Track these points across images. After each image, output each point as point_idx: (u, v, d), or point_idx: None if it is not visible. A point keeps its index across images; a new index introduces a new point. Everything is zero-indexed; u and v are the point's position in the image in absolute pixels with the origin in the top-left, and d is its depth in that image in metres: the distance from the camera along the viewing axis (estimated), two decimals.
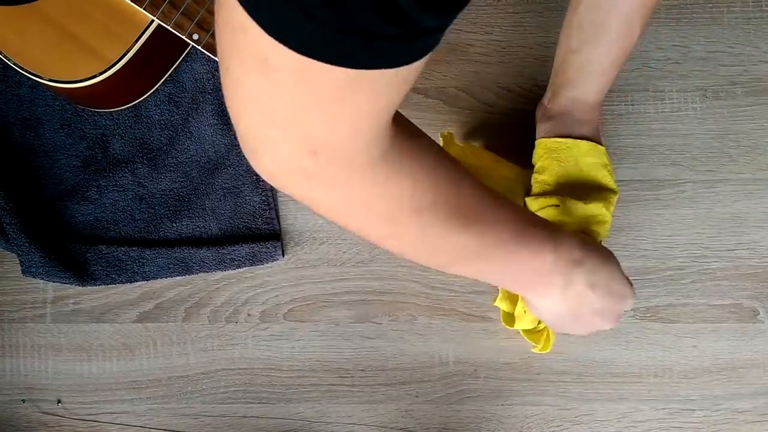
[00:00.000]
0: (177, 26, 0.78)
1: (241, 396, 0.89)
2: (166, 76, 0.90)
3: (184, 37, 0.77)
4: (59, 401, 0.90)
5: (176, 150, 0.91)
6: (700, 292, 0.88)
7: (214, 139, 0.90)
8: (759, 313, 0.88)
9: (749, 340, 0.88)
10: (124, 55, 0.80)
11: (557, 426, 0.88)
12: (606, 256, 0.70)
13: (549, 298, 0.68)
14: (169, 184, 0.91)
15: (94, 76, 0.80)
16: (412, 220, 0.54)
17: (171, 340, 0.90)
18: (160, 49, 0.84)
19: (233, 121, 0.48)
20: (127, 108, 0.91)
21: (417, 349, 0.89)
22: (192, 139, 0.90)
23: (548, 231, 0.65)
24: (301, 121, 0.44)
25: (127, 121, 0.91)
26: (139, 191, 0.91)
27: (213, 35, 0.77)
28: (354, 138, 0.46)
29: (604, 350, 0.88)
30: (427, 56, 0.42)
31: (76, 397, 0.90)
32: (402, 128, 0.52)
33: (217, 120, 0.90)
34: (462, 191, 0.57)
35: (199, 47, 0.77)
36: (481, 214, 0.59)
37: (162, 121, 0.91)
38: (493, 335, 0.89)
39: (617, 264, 0.71)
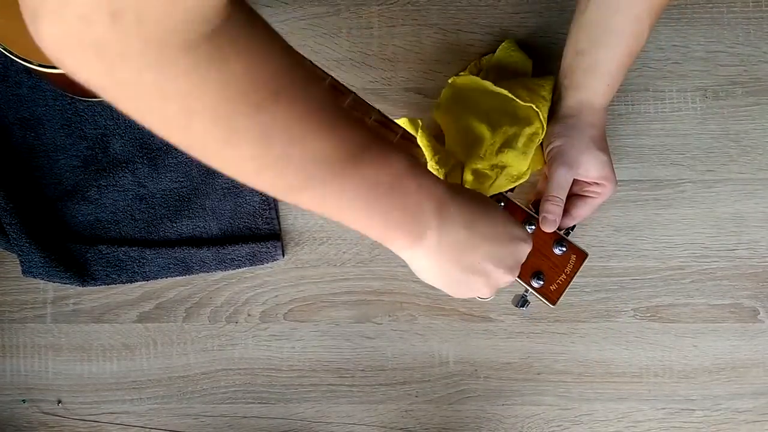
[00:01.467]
0: None
1: (242, 396, 0.89)
2: None
3: None
4: (59, 401, 0.90)
5: (176, 150, 0.90)
6: (700, 292, 0.88)
7: None
8: (759, 313, 0.88)
9: (749, 340, 0.88)
10: None
11: (557, 426, 0.88)
12: (480, 198, 0.63)
13: (424, 247, 0.60)
14: (170, 184, 0.91)
15: None
16: (249, 119, 0.44)
17: (171, 340, 0.90)
18: None
19: None
20: None
21: (417, 349, 0.89)
22: None
23: (410, 161, 0.57)
24: None
25: (127, 121, 0.91)
26: (139, 191, 0.91)
27: None
28: (174, 5, 0.36)
29: (604, 350, 0.88)
30: None
31: (77, 397, 0.90)
32: (241, 10, 0.42)
33: None
34: (313, 89, 0.48)
35: None
36: (338, 118, 0.50)
37: None
38: (493, 335, 0.89)
39: (496, 208, 0.65)
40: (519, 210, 0.78)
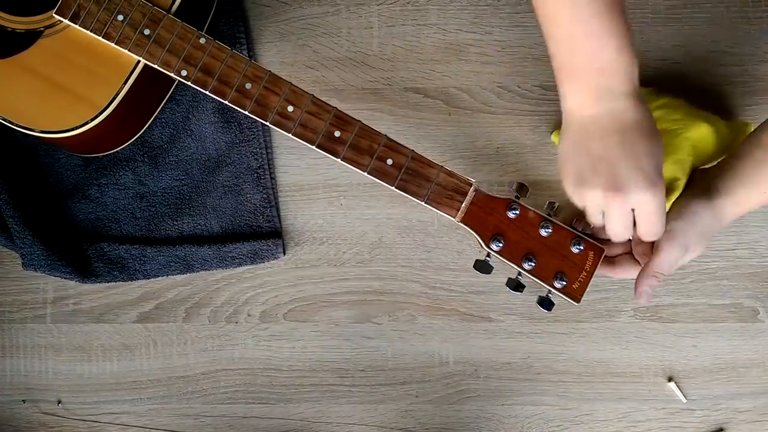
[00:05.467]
0: (164, 64, 0.76)
1: (242, 396, 0.89)
2: (158, 111, 0.89)
3: (172, 75, 0.76)
4: (59, 402, 0.90)
5: (177, 148, 0.91)
6: (700, 292, 0.88)
7: (215, 136, 0.90)
8: (759, 313, 0.88)
9: (749, 340, 0.88)
10: (114, 98, 0.78)
11: (557, 426, 0.88)
12: (654, 136, 0.68)
13: (581, 98, 0.67)
14: (170, 182, 0.91)
15: (86, 123, 0.78)
16: None
17: (171, 341, 0.90)
18: (150, 87, 0.83)
19: None
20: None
21: (417, 349, 0.89)
22: (193, 137, 0.91)
23: (629, 46, 0.65)
24: None
25: None
26: (140, 189, 0.91)
27: (201, 70, 0.76)
28: None
29: (604, 350, 0.88)
30: None
31: (77, 397, 0.90)
32: None
33: (217, 118, 0.90)
34: None
35: (189, 83, 0.76)
36: None
37: (163, 119, 0.91)
38: (493, 335, 0.89)
39: (660, 149, 0.68)
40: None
